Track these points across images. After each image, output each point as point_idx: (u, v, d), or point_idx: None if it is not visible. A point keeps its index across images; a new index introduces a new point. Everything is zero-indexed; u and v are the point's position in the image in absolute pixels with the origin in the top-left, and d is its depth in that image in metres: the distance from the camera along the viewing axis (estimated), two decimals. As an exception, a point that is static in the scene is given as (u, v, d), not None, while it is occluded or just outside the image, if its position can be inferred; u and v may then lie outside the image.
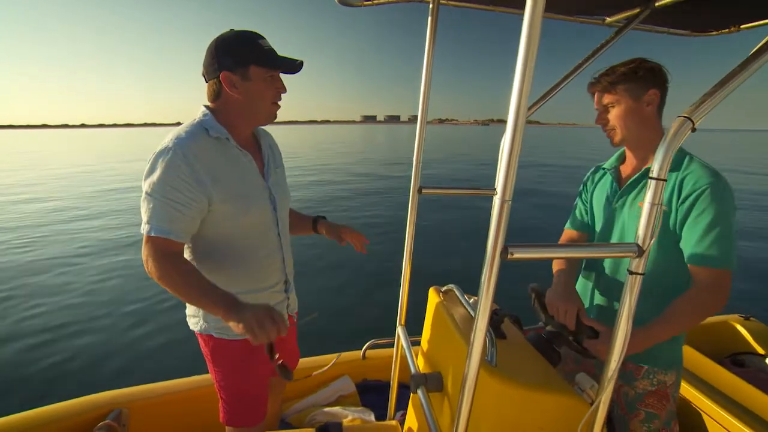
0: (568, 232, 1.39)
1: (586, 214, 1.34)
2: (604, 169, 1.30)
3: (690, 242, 1.01)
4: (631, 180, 1.16)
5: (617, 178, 1.24)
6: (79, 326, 3.76)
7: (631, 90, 1.09)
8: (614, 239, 1.19)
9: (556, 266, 1.26)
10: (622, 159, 1.28)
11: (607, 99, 1.12)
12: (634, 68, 1.09)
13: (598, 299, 1.24)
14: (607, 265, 1.22)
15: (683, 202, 1.02)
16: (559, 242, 1.38)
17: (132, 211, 8.57)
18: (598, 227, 1.27)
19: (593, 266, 1.28)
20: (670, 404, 1.16)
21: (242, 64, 1.03)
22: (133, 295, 4.36)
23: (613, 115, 1.12)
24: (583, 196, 1.37)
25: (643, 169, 1.14)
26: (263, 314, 0.91)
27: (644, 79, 1.09)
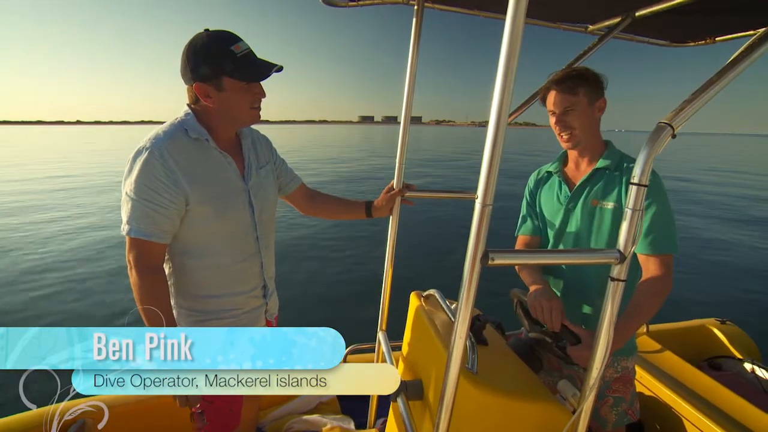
0: (523, 237, 1.38)
1: (536, 217, 1.35)
2: (549, 172, 1.32)
3: (641, 234, 1.06)
4: (581, 181, 1.19)
5: (565, 180, 1.26)
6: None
7: (588, 94, 1.12)
8: (571, 239, 1.21)
9: (524, 272, 1.25)
10: (564, 161, 1.30)
11: (567, 101, 1.13)
12: (593, 74, 1.13)
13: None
14: (568, 268, 1.23)
15: None
16: (516, 248, 1.36)
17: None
18: (551, 229, 1.28)
19: (554, 270, 1.28)
20: (632, 386, 1.23)
21: (215, 76, 0.99)
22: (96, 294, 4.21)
23: (573, 118, 1.14)
24: (531, 200, 1.38)
25: (591, 171, 1.18)
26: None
27: (598, 87, 1.13)
